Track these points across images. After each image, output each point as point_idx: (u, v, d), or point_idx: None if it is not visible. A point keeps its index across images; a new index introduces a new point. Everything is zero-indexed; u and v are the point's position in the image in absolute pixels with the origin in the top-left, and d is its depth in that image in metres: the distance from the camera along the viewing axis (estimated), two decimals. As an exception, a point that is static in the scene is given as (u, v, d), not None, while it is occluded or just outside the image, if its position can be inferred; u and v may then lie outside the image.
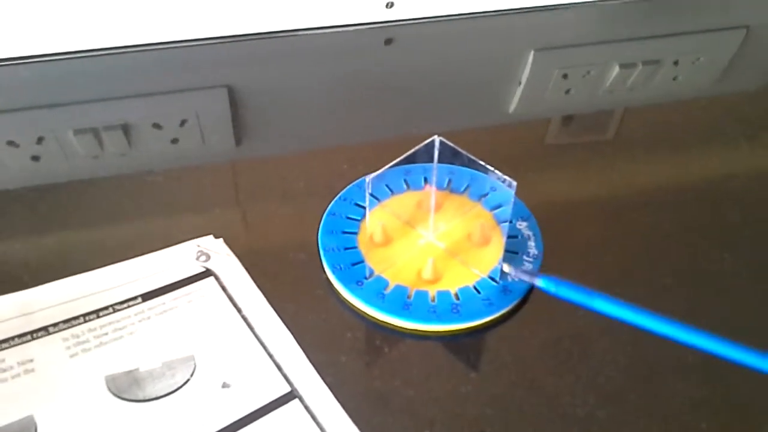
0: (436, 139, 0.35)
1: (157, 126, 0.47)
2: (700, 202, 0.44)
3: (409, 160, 0.37)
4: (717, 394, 0.33)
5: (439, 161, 0.38)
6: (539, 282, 0.34)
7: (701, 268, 0.40)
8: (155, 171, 0.44)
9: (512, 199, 0.34)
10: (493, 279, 0.36)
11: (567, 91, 0.55)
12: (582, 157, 0.48)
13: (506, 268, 0.35)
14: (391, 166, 0.34)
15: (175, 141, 0.47)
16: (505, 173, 0.34)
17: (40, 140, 0.46)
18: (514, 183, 0.33)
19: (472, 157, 0.34)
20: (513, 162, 0.46)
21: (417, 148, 0.35)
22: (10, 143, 0.45)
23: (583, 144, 0.49)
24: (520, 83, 0.55)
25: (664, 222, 0.42)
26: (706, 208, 0.44)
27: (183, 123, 0.48)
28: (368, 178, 0.33)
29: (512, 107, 0.53)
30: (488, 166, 0.34)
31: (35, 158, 0.45)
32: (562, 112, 0.53)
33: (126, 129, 0.47)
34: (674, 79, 0.57)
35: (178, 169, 0.45)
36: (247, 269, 0.37)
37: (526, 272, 0.35)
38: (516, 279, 0.36)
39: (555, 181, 0.45)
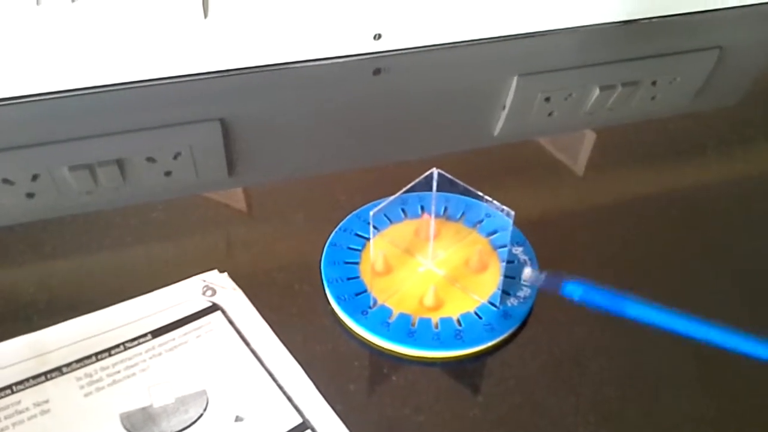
0: (435, 171, 0.37)
1: (151, 160, 0.48)
2: (688, 218, 0.46)
3: (407, 190, 0.38)
4: (714, 409, 0.34)
5: (436, 190, 0.39)
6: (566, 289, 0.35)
7: (694, 285, 0.41)
8: (156, 207, 0.45)
9: (510, 228, 0.35)
10: (493, 304, 0.37)
11: (550, 114, 0.56)
12: (570, 179, 0.49)
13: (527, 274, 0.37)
14: (392, 199, 0.35)
15: (168, 174, 0.48)
16: (496, 199, 0.36)
17: (35, 177, 0.46)
18: (512, 213, 0.34)
19: (470, 188, 0.36)
20: (504, 187, 0.48)
21: (417, 181, 0.36)
22: (5, 181, 0.46)
23: (569, 166, 0.51)
24: (504, 107, 0.56)
25: (656, 240, 0.44)
26: (696, 224, 0.45)
27: (177, 156, 0.49)
28: (372, 212, 0.34)
29: (497, 131, 0.54)
30: (486, 197, 0.35)
31: (30, 195, 0.45)
32: (546, 134, 0.55)
33: (120, 164, 0.47)
34: (652, 99, 0.59)
35: (178, 204, 0.45)
36: (252, 302, 0.38)
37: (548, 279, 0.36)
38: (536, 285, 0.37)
39: (546, 205, 0.46)
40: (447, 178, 0.37)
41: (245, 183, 0.48)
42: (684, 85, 0.61)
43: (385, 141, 0.52)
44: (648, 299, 0.39)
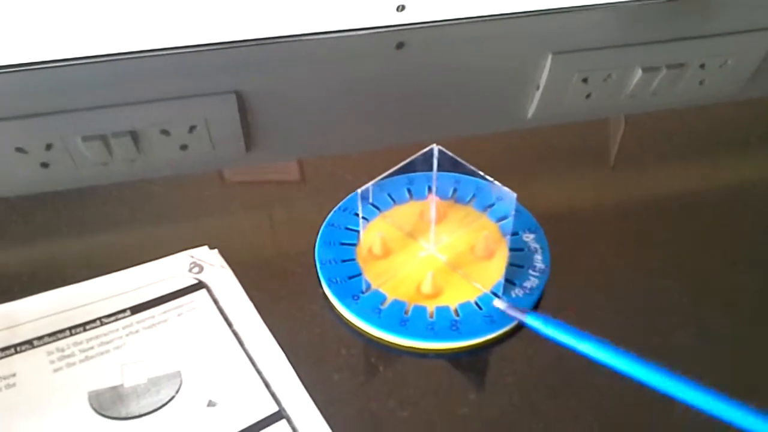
0: (435, 147, 0.34)
1: (165, 132, 0.47)
2: (723, 215, 0.42)
3: (408, 169, 0.35)
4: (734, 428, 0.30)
5: (441, 170, 0.36)
6: (528, 320, 0.32)
7: (717, 284, 0.37)
8: (155, 180, 0.43)
9: (513, 211, 0.32)
10: (495, 294, 0.34)
11: (587, 96, 0.53)
12: (599, 167, 0.46)
13: (498, 303, 0.33)
14: (385, 177, 0.33)
15: (184, 147, 0.46)
16: (516, 183, 0.33)
17: (48, 147, 0.45)
18: (514, 194, 0.31)
19: (472, 167, 0.33)
20: (526, 170, 0.45)
21: (414, 157, 0.33)
22: (19, 150, 0.45)
23: (600, 152, 0.47)
24: (538, 87, 0.53)
25: (684, 237, 0.40)
26: (730, 221, 0.41)
27: (192, 129, 0.47)
28: (360, 189, 0.31)
29: (530, 112, 0.51)
30: (488, 177, 0.32)
31: (44, 165, 0.44)
32: (583, 117, 0.51)
33: (134, 135, 0.46)
34: (700, 83, 0.54)
35: (178, 177, 0.44)
36: (241, 281, 0.36)
37: (515, 309, 0.33)
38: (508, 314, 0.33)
39: (568, 191, 0.43)
40: (449, 156, 0.34)
41: (261, 158, 0.46)
42: (736, 68, 0.56)
43: (406, 119, 0.50)
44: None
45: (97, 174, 0.44)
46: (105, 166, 0.44)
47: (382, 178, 0.32)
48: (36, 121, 0.48)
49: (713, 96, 0.54)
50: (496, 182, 0.32)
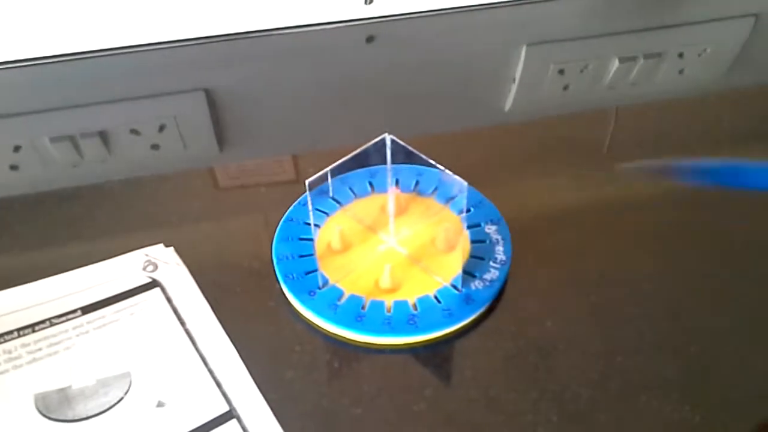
0: (387, 137, 0.33)
1: (135, 132, 0.46)
2: (690, 207, 0.41)
3: (369, 162, 0.35)
4: (696, 416, 0.30)
5: (397, 161, 0.35)
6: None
7: (684, 274, 0.36)
8: (113, 179, 0.42)
9: (465, 199, 0.31)
10: (455, 287, 0.33)
11: (565, 88, 0.52)
12: (569, 160, 0.45)
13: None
14: (340, 168, 0.32)
15: (155, 147, 0.45)
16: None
17: (16, 149, 0.44)
18: (465, 183, 0.30)
19: (425, 157, 0.32)
20: (492, 163, 0.44)
21: (365, 147, 0.32)
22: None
23: (566, 146, 0.46)
24: (514, 80, 0.52)
25: (649, 229, 0.39)
26: (698, 213, 0.40)
27: (162, 128, 0.46)
28: (308, 180, 0.30)
29: (507, 106, 0.50)
30: (439, 165, 0.31)
31: (14, 167, 0.44)
32: (561, 109, 0.50)
33: (104, 136, 0.45)
34: (680, 72, 0.54)
35: (137, 177, 0.43)
36: (197, 279, 0.35)
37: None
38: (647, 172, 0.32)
39: (533, 184, 0.42)
40: (401, 146, 0.33)
41: (233, 155, 0.45)
42: (715, 57, 0.55)
43: (378, 115, 0.49)
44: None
45: (68, 176, 0.43)
46: (75, 168, 0.44)
47: (334, 168, 0.31)
48: (1, 123, 0.47)
49: (694, 85, 0.53)
50: (447, 171, 0.31)
